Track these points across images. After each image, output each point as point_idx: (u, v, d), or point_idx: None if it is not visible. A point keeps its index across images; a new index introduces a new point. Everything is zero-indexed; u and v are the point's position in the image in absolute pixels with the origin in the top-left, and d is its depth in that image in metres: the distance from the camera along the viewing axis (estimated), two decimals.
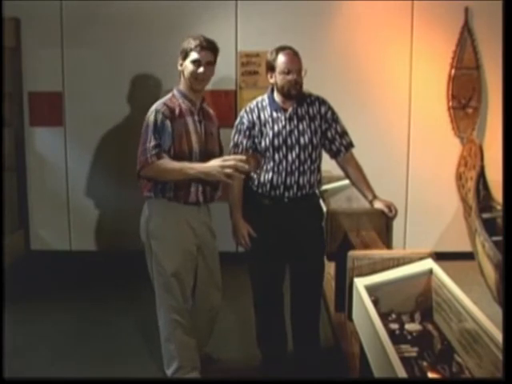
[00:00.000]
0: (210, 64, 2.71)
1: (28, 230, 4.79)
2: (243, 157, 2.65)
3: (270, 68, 2.79)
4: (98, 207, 4.74)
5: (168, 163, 2.61)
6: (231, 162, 2.56)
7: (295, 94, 2.77)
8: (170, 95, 2.74)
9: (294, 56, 2.75)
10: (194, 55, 2.66)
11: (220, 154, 2.87)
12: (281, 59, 2.74)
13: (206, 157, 2.70)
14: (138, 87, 4.53)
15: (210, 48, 2.69)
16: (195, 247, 2.77)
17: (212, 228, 2.88)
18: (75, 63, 4.57)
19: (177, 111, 2.67)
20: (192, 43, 2.67)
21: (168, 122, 2.62)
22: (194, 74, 2.68)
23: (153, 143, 2.59)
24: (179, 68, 2.73)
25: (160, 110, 2.64)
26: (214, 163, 2.59)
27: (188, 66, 2.68)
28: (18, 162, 4.72)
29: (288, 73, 2.73)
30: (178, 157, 2.63)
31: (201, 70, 2.67)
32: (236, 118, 2.92)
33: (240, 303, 3.65)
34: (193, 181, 2.67)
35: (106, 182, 4.70)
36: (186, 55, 2.68)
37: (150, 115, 2.65)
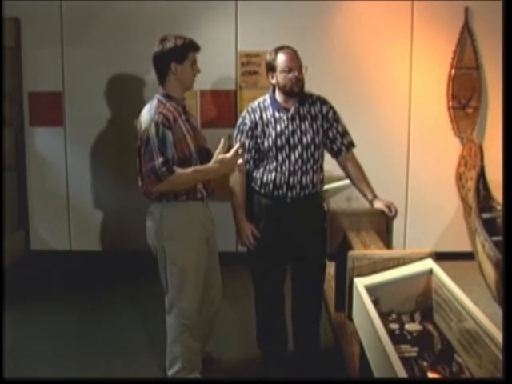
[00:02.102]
0: None
1: (28, 230, 4.79)
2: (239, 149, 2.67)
3: (271, 68, 2.79)
4: (98, 207, 4.74)
5: (181, 176, 2.59)
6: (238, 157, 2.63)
7: (298, 92, 2.78)
8: (156, 102, 2.65)
9: (293, 54, 2.76)
10: (193, 55, 2.66)
11: (205, 143, 2.85)
12: (281, 58, 2.75)
13: (200, 152, 2.71)
14: (137, 87, 4.53)
15: (199, 47, 2.72)
16: (205, 242, 2.78)
17: (213, 220, 2.89)
18: (75, 63, 4.57)
19: (171, 117, 2.62)
20: (189, 44, 2.64)
21: (168, 132, 2.57)
22: (194, 74, 2.69)
23: (161, 160, 2.54)
24: (173, 71, 2.63)
25: (158, 122, 2.56)
26: (224, 160, 2.60)
27: (188, 67, 2.66)
28: (18, 162, 4.72)
29: (289, 71, 2.73)
30: (181, 160, 2.62)
31: (198, 68, 2.70)
32: (236, 118, 2.92)
33: (240, 303, 3.65)
34: None
35: (105, 181, 4.70)
36: (184, 57, 2.63)
37: (149, 128, 2.57)
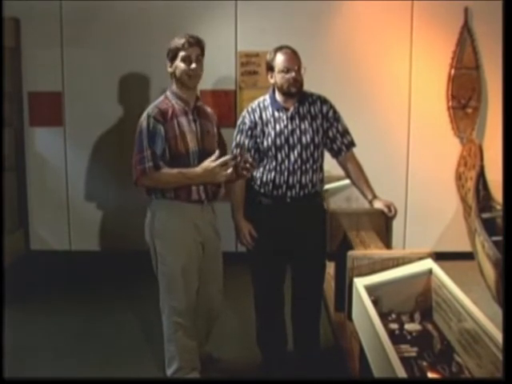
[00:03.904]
0: (200, 59, 2.71)
1: (28, 230, 4.79)
2: (247, 158, 2.66)
3: (270, 68, 2.79)
4: (98, 207, 4.74)
5: (166, 175, 2.61)
6: (226, 163, 2.58)
7: (295, 92, 2.77)
8: (162, 97, 2.73)
9: (292, 54, 2.76)
10: (183, 53, 2.65)
11: (221, 151, 2.84)
12: (279, 58, 2.75)
13: (204, 156, 2.69)
14: (137, 87, 4.53)
15: (196, 43, 2.69)
16: (200, 246, 2.77)
17: (216, 227, 2.88)
18: (75, 63, 4.57)
19: (169, 112, 2.65)
20: (178, 42, 2.66)
21: (160, 126, 2.61)
22: (186, 72, 2.66)
23: (149, 152, 2.59)
24: (169, 70, 2.71)
25: (151, 115, 2.62)
26: (207, 167, 2.60)
27: (179, 65, 2.66)
28: (18, 162, 4.72)
29: (287, 71, 2.73)
30: (175, 158, 2.63)
31: (193, 66, 2.67)
32: (236, 118, 2.93)
33: (240, 303, 3.65)
34: None
35: (105, 181, 4.70)
36: (174, 55, 2.67)
37: (143, 121, 2.64)
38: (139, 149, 2.62)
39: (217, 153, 2.64)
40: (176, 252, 2.70)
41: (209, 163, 2.61)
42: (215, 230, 2.87)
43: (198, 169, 2.62)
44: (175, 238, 2.70)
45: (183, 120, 2.68)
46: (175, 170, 2.62)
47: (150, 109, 2.67)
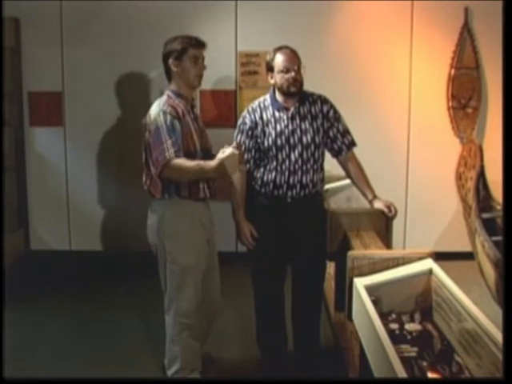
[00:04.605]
0: (204, 59, 2.73)
1: (28, 230, 4.79)
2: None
3: (270, 68, 2.80)
4: (98, 207, 4.73)
5: (186, 164, 2.56)
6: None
7: (295, 92, 2.77)
8: (165, 97, 2.69)
9: (291, 54, 2.76)
10: (193, 53, 2.66)
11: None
12: (279, 58, 2.75)
13: (204, 153, 2.71)
14: (137, 87, 4.53)
15: (203, 44, 2.71)
16: (206, 243, 2.79)
17: (214, 223, 2.88)
18: (75, 63, 4.57)
19: (179, 111, 2.65)
20: (187, 41, 2.66)
21: (176, 121, 2.60)
22: (196, 72, 2.68)
23: (170, 142, 2.54)
24: (174, 69, 2.68)
25: (167, 111, 2.60)
26: (219, 159, 2.52)
27: (188, 65, 2.66)
28: (18, 162, 4.72)
29: (287, 71, 2.74)
30: (186, 155, 2.61)
31: (202, 66, 2.69)
32: (236, 118, 2.92)
33: (240, 303, 3.65)
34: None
35: (105, 181, 4.70)
36: (181, 54, 2.65)
37: (158, 117, 2.60)
38: (159, 142, 2.56)
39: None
40: (188, 251, 2.70)
41: (220, 155, 2.55)
42: (214, 226, 2.88)
43: (213, 162, 2.55)
44: (186, 238, 2.70)
45: (188, 119, 2.69)
46: (194, 162, 2.58)
47: (162, 106, 2.62)
